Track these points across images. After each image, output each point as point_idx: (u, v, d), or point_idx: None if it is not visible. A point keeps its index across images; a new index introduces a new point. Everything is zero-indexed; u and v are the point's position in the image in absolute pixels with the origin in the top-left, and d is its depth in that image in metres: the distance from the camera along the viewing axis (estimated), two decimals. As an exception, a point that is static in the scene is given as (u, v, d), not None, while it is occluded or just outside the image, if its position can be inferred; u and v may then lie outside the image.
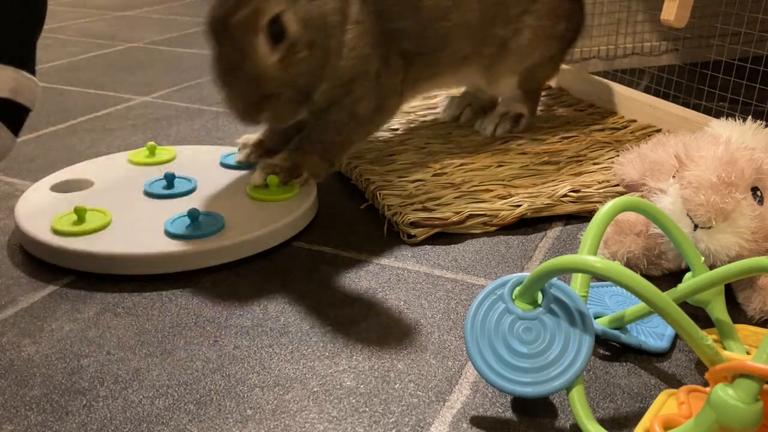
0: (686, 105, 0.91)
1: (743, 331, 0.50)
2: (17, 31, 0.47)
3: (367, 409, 0.44)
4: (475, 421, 0.44)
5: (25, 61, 0.48)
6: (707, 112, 0.87)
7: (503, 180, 0.74)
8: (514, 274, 0.45)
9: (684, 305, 0.47)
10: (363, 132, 0.75)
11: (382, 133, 0.88)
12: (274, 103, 0.61)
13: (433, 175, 0.75)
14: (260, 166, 0.70)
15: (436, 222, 0.66)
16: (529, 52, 0.84)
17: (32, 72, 0.48)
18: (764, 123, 0.63)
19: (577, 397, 0.42)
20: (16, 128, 0.49)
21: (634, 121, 0.93)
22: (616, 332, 0.50)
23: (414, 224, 0.66)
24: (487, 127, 0.88)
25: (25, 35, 0.48)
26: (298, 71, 0.59)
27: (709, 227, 0.53)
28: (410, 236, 0.65)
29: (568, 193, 0.71)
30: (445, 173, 0.76)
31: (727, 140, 0.58)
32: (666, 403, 0.43)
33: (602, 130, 0.90)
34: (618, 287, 0.56)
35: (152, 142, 0.78)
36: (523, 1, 0.82)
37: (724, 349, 0.47)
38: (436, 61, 0.78)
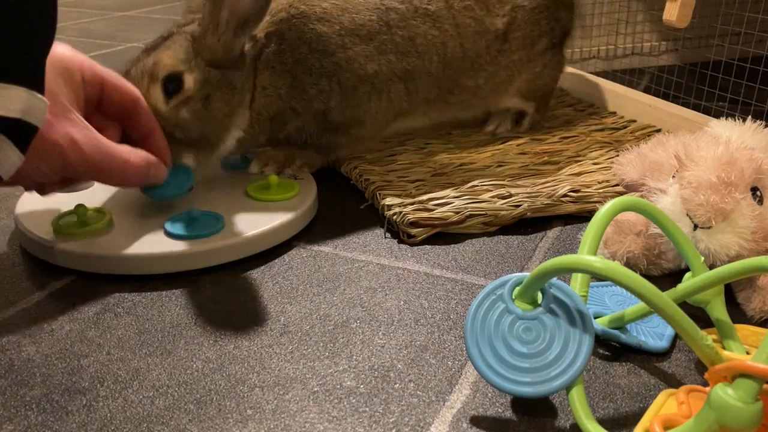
0: (686, 105, 0.91)
1: (743, 331, 0.50)
2: (30, 48, 0.46)
3: (367, 409, 0.44)
4: (475, 421, 0.44)
5: (36, 80, 0.48)
6: (707, 112, 0.87)
7: (503, 180, 0.74)
8: (514, 274, 0.45)
9: (684, 305, 0.47)
10: (345, 139, 0.78)
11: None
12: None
13: (433, 175, 0.75)
14: (257, 158, 0.75)
15: (436, 222, 0.66)
16: (513, 79, 0.85)
17: (41, 91, 0.48)
18: (764, 123, 0.63)
19: (577, 397, 0.42)
20: (24, 147, 0.48)
21: (634, 121, 0.93)
22: (616, 332, 0.50)
23: (414, 224, 0.66)
24: (489, 126, 0.89)
25: (38, 52, 0.47)
26: (187, 118, 0.66)
27: (709, 227, 0.53)
28: (410, 236, 0.65)
29: (568, 193, 0.71)
30: (445, 173, 0.76)
31: (727, 140, 0.58)
32: (666, 403, 0.43)
33: (602, 130, 0.90)
34: (618, 287, 0.56)
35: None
36: (492, 49, 0.81)
37: (724, 349, 0.47)
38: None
